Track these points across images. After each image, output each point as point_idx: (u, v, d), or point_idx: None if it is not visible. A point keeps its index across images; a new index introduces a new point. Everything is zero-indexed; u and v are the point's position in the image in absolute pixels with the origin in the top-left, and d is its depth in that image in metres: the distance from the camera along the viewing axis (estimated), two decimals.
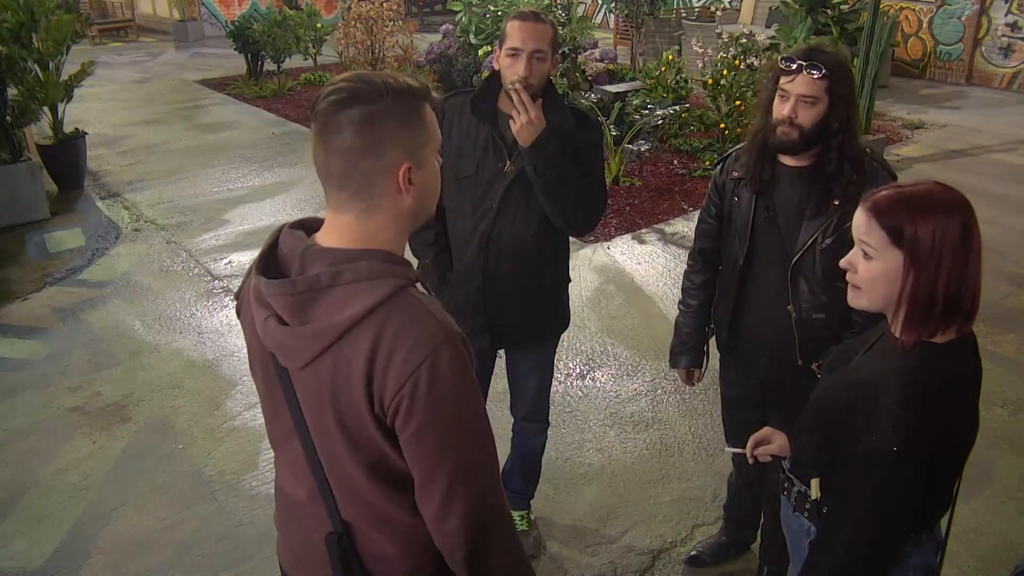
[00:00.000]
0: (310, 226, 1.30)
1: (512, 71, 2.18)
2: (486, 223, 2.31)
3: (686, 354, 2.51)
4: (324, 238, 1.25)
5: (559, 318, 2.59)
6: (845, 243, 2.07)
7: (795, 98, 2.02)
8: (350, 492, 1.27)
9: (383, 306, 1.16)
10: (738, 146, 2.31)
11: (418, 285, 1.24)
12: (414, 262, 1.32)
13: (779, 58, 2.09)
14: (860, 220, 1.44)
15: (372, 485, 1.25)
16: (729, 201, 2.27)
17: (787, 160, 2.13)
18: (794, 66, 2.01)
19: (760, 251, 2.21)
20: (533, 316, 2.47)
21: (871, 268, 1.43)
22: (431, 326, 1.17)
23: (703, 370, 2.56)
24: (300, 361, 1.21)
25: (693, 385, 2.60)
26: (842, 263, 1.51)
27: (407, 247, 1.34)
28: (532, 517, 2.92)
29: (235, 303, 1.41)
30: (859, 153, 2.08)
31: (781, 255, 2.17)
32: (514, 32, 2.18)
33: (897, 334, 1.45)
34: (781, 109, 2.05)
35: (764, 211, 2.18)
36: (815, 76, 1.98)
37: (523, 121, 2.14)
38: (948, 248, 1.36)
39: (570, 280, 2.60)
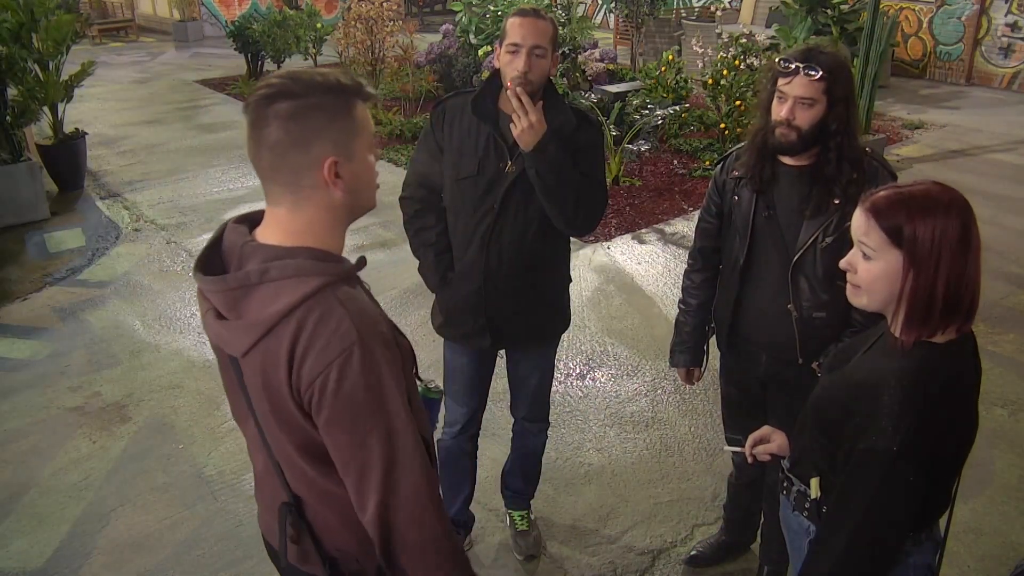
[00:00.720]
0: (255, 219, 1.34)
1: (512, 67, 2.17)
2: (487, 223, 2.31)
3: (685, 353, 2.51)
4: (263, 233, 1.31)
5: (560, 318, 2.59)
6: (845, 242, 2.07)
7: (793, 100, 2.01)
8: (292, 468, 1.34)
9: (306, 303, 1.21)
10: (739, 145, 2.31)
11: (355, 282, 1.29)
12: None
13: (778, 59, 2.08)
14: (859, 221, 1.45)
15: (308, 464, 1.31)
16: (730, 200, 2.27)
17: (787, 160, 2.13)
18: (792, 67, 2.00)
19: (760, 250, 2.22)
20: (533, 316, 2.46)
21: (871, 268, 1.44)
22: (345, 326, 1.20)
23: (703, 369, 2.56)
24: (238, 352, 1.27)
25: (693, 384, 2.60)
26: (842, 264, 1.52)
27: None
28: (532, 517, 2.92)
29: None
30: (859, 153, 2.08)
31: (782, 254, 2.17)
32: (514, 29, 2.18)
33: (897, 334, 1.45)
34: (779, 111, 2.04)
35: (764, 210, 2.18)
36: (813, 78, 1.98)
37: (524, 125, 2.13)
38: (947, 248, 1.36)
39: (570, 280, 2.61)
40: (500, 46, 2.23)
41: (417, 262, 2.52)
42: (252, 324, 1.23)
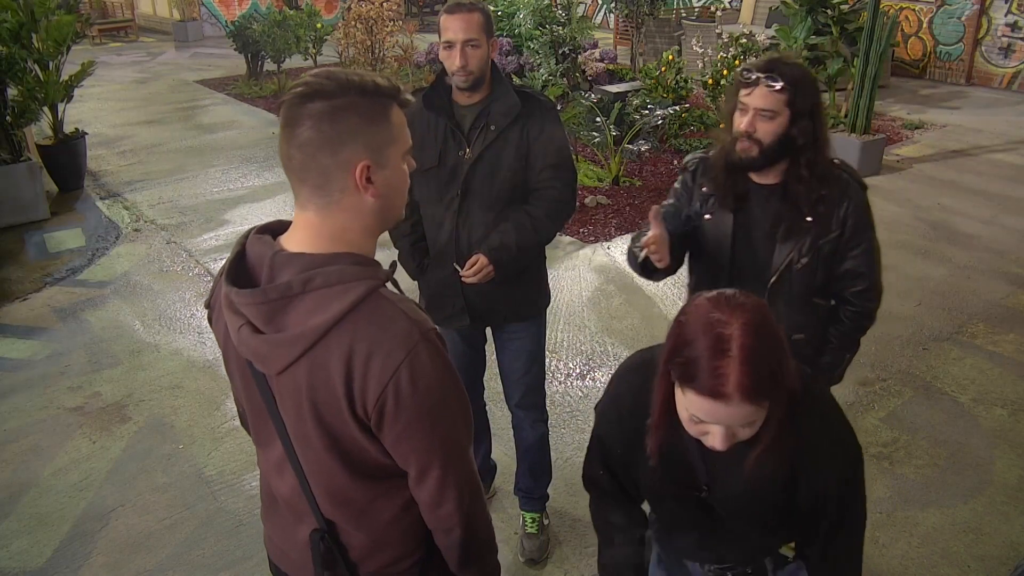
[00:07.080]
0: (277, 229, 1.29)
1: (450, 63, 2.30)
2: (453, 209, 2.40)
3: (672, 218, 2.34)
4: (291, 241, 1.24)
5: (539, 294, 2.63)
6: (820, 260, 2.06)
7: (753, 112, 1.95)
8: (330, 489, 1.30)
9: (356, 309, 1.17)
10: (698, 152, 2.24)
11: (388, 284, 1.25)
12: (386, 260, 1.33)
13: (740, 68, 2.02)
14: (743, 412, 1.28)
15: (352, 480, 1.28)
16: (699, 211, 2.18)
17: (756, 178, 2.06)
18: (752, 77, 1.94)
19: (736, 273, 2.13)
20: (510, 293, 2.51)
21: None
22: (406, 326, 1.18)
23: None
24: (276, 367, 1.21)
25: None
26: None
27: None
28: (546, 523, 2.89)
29: (206, 311, 1.40)
30: (828, 167, 2.02)
31: (757, 277, 2.09)
32: (447, 25, 2.30)
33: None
34: (740, 123, 1.98)
35: (739, 230, 2.10)
36: (773, 88, 1.91)
37: (475, 280, 2.35)
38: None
39: (544, 256, 2.63)
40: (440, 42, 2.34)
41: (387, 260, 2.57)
42: (296, 337, 1.17)
